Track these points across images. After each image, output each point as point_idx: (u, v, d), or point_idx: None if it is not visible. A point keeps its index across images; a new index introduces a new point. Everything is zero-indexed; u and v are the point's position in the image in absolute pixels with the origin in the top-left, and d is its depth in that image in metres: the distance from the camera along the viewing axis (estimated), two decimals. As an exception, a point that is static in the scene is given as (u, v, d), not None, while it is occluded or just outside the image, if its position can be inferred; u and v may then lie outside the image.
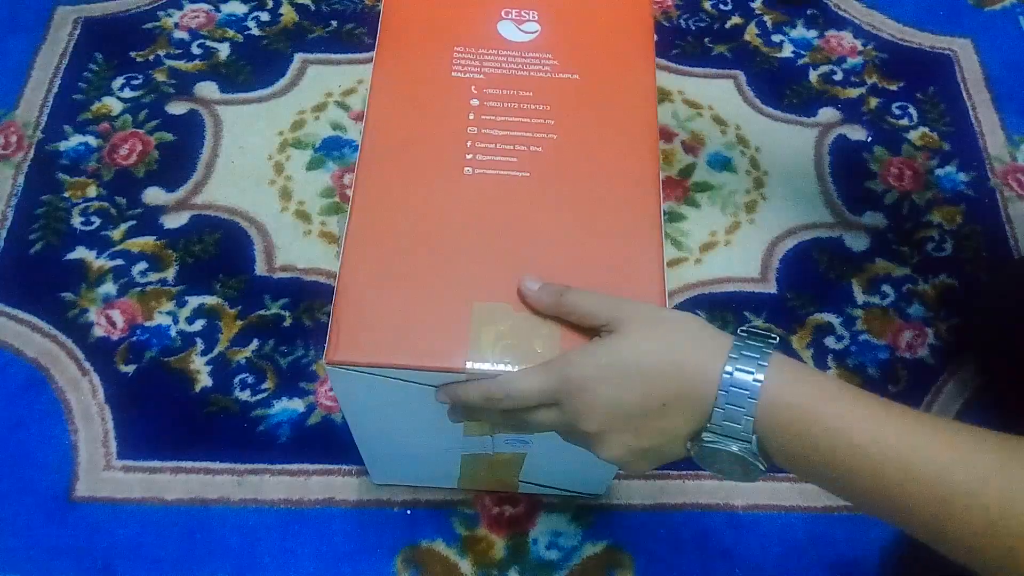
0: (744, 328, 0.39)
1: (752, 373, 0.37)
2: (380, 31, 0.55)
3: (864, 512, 0.38)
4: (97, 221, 0.79)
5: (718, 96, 0.91)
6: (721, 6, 0.98)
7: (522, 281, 0.44)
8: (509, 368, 0.42)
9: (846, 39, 0.96)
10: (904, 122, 0.91)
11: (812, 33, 0.97)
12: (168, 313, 0.74)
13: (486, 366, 0.42)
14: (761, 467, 0.39)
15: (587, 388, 0.39)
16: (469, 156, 0.49)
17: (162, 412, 0.70)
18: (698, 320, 0.41)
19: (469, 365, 0.42)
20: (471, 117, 0.50)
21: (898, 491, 0.35)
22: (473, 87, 0.52)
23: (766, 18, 0.98)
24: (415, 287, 0.45)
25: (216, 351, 0.73)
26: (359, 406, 0.50)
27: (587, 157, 0.50)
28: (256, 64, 0.90)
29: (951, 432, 0.35)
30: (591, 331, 0.42)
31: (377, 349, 0.43)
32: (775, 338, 0.39)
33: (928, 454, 0.34)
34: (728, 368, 0.37)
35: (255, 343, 0.73)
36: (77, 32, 0.91)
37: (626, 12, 0.56)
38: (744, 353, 0.38)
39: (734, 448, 0.38)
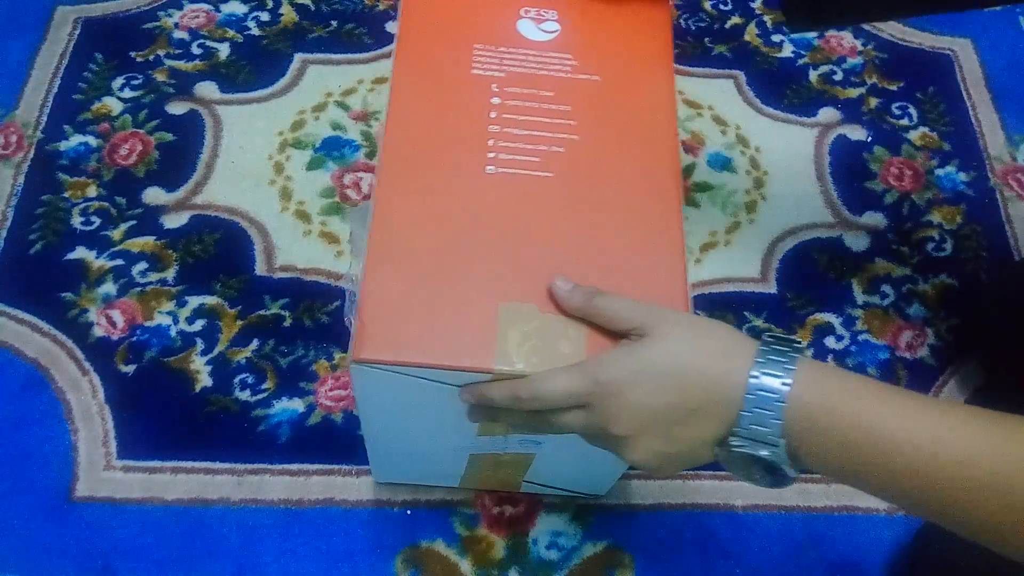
0: (769, 334, 0.40)
1: (779, 377, 0.37)
2: (399, 28, 0.54)
3: (898, 505, 0.39)
4: (97, 221, 0.79)
5: (718, 96, 0.91)
6: (721, 6, 0.98)
7: (553, 281, 0.44)
8: (536, 369, 0.42)
9: (846, 39, 0.96)
10: (904, 122, 0.91)
11: (812, 33, 0.96)
12: (168, 313, 0.74)
13: (513, 367, 0.42)
14: (790, 473, 0.39)
15: (618, 392, 0.39)
16: (491, 155, 0.49)
17: (162, 412, 0.70)
18: (725, 326, 0.41)
19: (497, 365, 0.42)
20: (493, 116, 0.50)
21: (931, 482, 0.35)
22: (494, 85, 0.51)
23: (766, 18, 0.98)
24: (439, 286, 0.44)
25: (216, 351, 0.73)
26: (377, 404, 0.50)
27: (609, 159, 0.50)
28: (256, 64, 0.90)
29: (979, 419, 0.36)
30: (617, 334, 0.42)
31: (404, 348, 0.43)
32: (800, 342, 0.39)
33: (959, 443, 0.35)
34: (755, 373, 0.38)
35: (255, 343, 0.73)
36: (77, 32, 0.91)
37: (645, 14, 0.56)
38: (770, 358, 0.38)
39: (763, 453, 0.38)
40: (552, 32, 0.54)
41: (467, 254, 0.45)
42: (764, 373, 0.38)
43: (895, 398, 0.37)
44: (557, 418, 0.42)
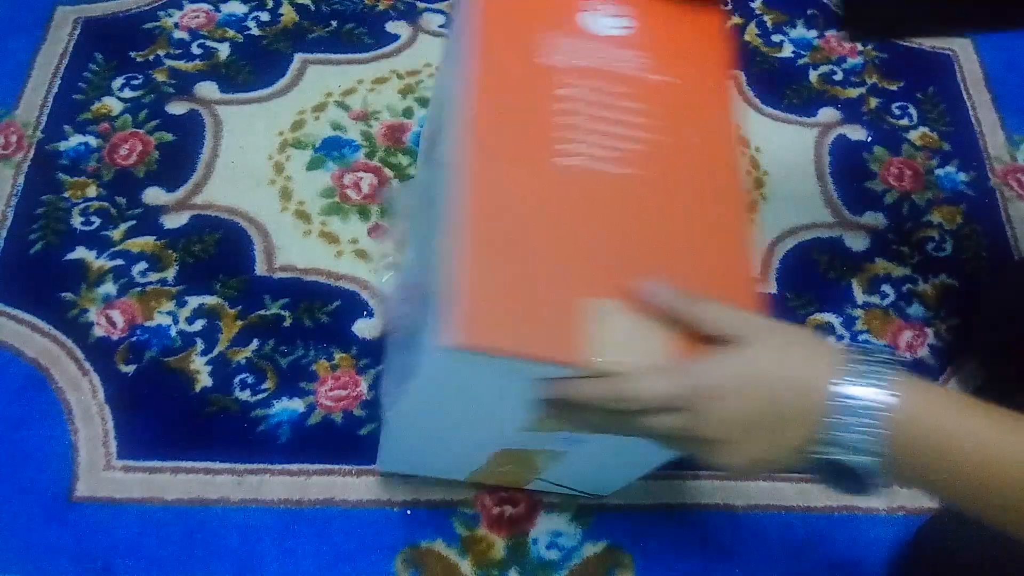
0: (853, 345, 0.41)
1: (879, 387, 0.38)
2: (474, 22, 0.53)
3: (991, 520, 0.40)
4: (97, 221, 0.79)
5: (718, 96, 0.91)
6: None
7: (644, 284, 0.44)
8: (630, 368, 0.42)
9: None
10: (904, 122, 0.91)
11: (812, 33, 0.97)
12: (168, 313, 0.74)
13: (612, 363, 0.42)
14: (876, 482, 0.39)
15: (719, 397, 0.40)
16: (573, 147, 0.49)
17: (162, 412, 0.70)
18: (811, 334, 0.42)
19: (596, 361, 0.42)
20: (567, 107, 0.50)
21: None
22: (567, 77, 0.51)
23: (766, 18, 0.98)
24: (532, 278, 0.44)
25: (216, 351, 0.73)
26: (437, 389, 0.50)
27: (680, 159, 0.50)
28: (256, 64, 0.90)
29: None
30: (704, 339, 0.42)
31: (504, 336, 0.42)
32: (891, 351, 0.40)
33: None
34: (838, 380, 0.39)
35: (255, 343, 0.73)
36: (77, 32, 0.91)
37: (703, 19, 0.57)
38: (858, 367, 0.39)
39: (854, 460, 0.39)
40: (620, 28, 0.54)
41: (555, 247, 0.45)
42: (850, 382, 0.38)
43: (996, 416, 0.39)
44: (646, 420, 0.42)
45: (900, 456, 0.38)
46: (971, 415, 0.39)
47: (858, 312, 0.78)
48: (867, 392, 0.38)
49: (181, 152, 0.84)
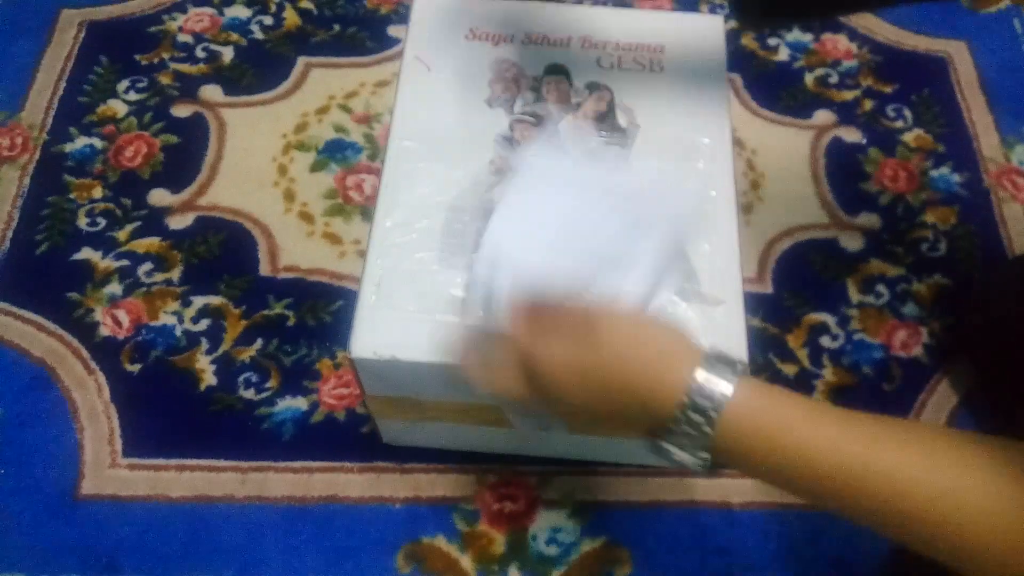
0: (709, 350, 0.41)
1: (721, 385, 0.39)
2: None
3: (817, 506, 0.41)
4: (103, 222, 0.80)
5: (715, 99, 0.92)
6: (719, 10, 0.99)
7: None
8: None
9: (841, 42, 0.97)
10: (899, 124, 0.92)
11: (808, 36, 0.97)
12: (173, 313, 0.75)
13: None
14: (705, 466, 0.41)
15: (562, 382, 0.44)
16: None
17: (167, 411, 0.71)
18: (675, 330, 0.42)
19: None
20: None
21: (855, 497, 0.38)
22: None
23: (763, 22, 0.99)
24: None
25: (221, 350, 0.74)
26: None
27: None
28: (260, 67, 0.91)
29: (908, 436, 0.38)
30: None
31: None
32: (737, 358, 0.40)
33: (884, 459, 0.37)
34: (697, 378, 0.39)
35: (259, 342, 0.74)
36: (82, 35, 0.92)
37: None
38: (712, 365, 0.39)
39: (686, 457, 0.40)
40: None
41: None
42: (707, 380, 0.39)
43: (829, 412, 0.39)
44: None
45: (724, 447, 0.39)
46: (798, 410, 0.39)
47: (853, 312, 0.79)
48: (713, 388, 0.38)
49: (186, 154, 0.84)
